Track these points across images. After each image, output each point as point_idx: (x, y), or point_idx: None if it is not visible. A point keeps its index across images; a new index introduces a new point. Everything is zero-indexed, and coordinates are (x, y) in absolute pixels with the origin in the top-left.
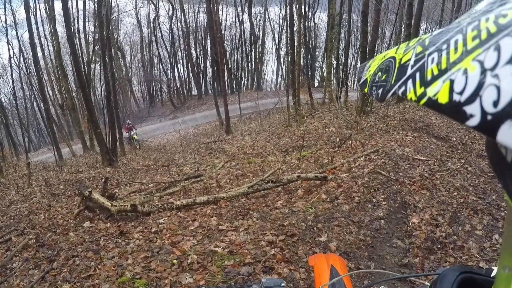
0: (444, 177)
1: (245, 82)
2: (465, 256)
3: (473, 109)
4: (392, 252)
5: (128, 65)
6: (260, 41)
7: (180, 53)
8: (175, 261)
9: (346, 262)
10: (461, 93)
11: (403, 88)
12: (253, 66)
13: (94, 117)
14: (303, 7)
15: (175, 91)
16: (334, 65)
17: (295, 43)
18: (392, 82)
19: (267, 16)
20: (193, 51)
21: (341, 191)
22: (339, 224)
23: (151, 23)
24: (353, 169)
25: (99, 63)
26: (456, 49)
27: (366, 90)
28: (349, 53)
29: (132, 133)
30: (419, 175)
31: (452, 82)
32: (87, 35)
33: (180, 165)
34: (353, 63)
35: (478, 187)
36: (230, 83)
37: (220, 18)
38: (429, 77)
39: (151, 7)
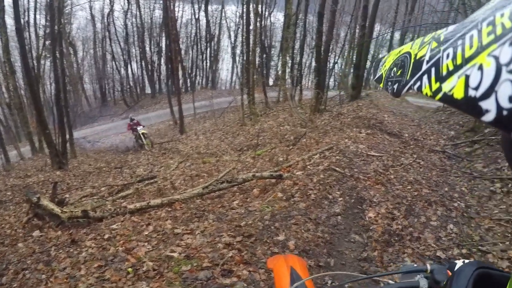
0: (398, 172)
1: (200, 80)
2: (422, 247)
3: (488, 104)
4: (351, 247)
5: (80, 61)
6: (215, 39)
7: (134, 50)
8: (130, 269)
9: (305, 262)
10: (476, 88)
11: (418, 84)
12: (208, 64)
13: (43, 116)
14: (260, 6)
15: (128, 89)
16: (289, 64)
17: (251, 42)
18: (408, 78)
19: (223, 14)
20: (147, 48)
21: (297, 189)
22: (297, 222)
23: (105, 18)
24: (308, 166)
25: (49, 59)
26: (471, 44)
27: (381, 85)
28: (304, 52)
29: (139, 128)
30: (373, 171)
31: (467, 77)
32: (38, 29)
33: (133, 166)
34: (307, 62)
35: (431, 180)
36: (185, 82)
37: (176, 15)
38: (444, 72)
39: (105, 1)
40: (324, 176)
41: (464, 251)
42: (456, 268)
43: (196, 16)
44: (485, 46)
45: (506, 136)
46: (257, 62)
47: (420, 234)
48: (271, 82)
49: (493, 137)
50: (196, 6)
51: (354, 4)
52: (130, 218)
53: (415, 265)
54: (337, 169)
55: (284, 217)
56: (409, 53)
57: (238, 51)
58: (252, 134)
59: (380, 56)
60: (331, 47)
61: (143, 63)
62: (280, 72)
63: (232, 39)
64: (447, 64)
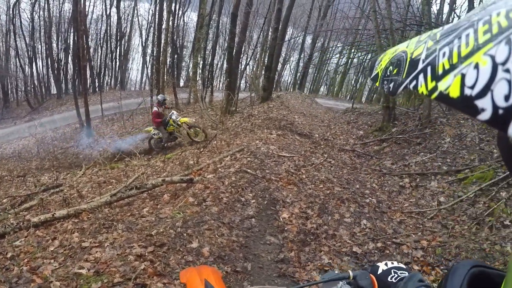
0: (309, 172)
1: (109, 81)
2: (338, 244)
3: (484, 103)
4: (267, 249)
5: None
6: (126, 37)
7: (40, 46)
8: None
9: (220, 273)
10: (472, 87)
11: (414, 82)
12: (117, 64)
13: None
14: (173, 4)
15: (32, 89)
16: (201, 65)
17: (162, 41)
18: (404, 76)
19: (136, 12)
20: (54, 45)
21: (208, 192)
22: (210, 227)
23: (11, 9)
24: (220, 169)
25: None
26: (467, 43)
27: (377, 84)
28: (216, 53)
29: (173, 117)
30: (285, 171)
31: (463, 76)
32: None
33: (38, 174)
34: (219, 63)
35: (342, 178)
36: (93, 82)
37: (87, 9)
38: (440, 71)
39: None
40: (236, 179)
41: (379, 244)
42: (379, 271)
43: (107, 12)
44: (481, 45)
45: (502, 135)
46: (168, 63)
47: (335, 231)
48: (182, 83)
49: (400, 136)
50: (108, 1)
51: (268, 7)
52: (34, 232)
53: (337, 272)
54: (248, 171)
55: (196, 222)
56: (405, 52)
57: (149, 51)
58: None
59: (292, 59)
60: (243, 49)
61: (49, 61)
62: (191, 73)
63: (144, 38)
64: (443, 63)
